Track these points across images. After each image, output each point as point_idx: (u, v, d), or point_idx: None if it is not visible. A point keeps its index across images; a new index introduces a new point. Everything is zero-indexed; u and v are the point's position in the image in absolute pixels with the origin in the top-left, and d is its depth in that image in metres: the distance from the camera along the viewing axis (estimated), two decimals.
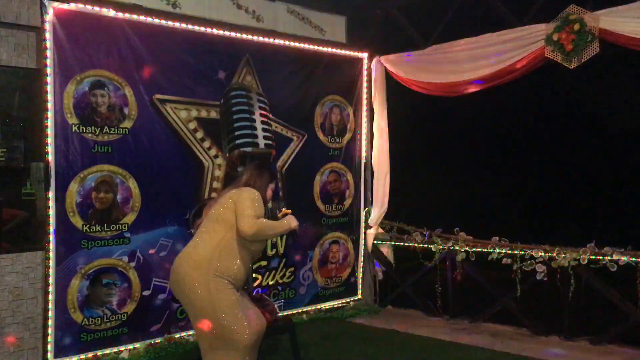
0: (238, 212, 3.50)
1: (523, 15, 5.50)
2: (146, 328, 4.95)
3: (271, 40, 5.73)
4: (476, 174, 6.93)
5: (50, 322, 4.48)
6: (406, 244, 6.23)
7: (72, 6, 4.54)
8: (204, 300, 3.41)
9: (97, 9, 4.66)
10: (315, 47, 6.10)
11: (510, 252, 5.39)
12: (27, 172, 4.56)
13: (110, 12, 4.73)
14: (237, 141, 5.48)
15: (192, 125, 5.22)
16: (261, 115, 5.67)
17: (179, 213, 5.12)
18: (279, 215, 3.83)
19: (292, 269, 5.95)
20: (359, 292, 6.58)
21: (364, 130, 6.58)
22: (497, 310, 5.76)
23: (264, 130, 5.67)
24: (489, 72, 5.55)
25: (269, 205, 3.92)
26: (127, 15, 4.82)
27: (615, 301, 5.05)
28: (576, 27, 4.91)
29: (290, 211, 3.83)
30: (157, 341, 4.97)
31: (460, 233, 5.83)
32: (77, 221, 4.59)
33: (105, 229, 4.73)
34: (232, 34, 5.45)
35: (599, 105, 6.42)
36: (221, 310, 3.38)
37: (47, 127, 4.46)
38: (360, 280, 6.58)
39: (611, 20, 4.81)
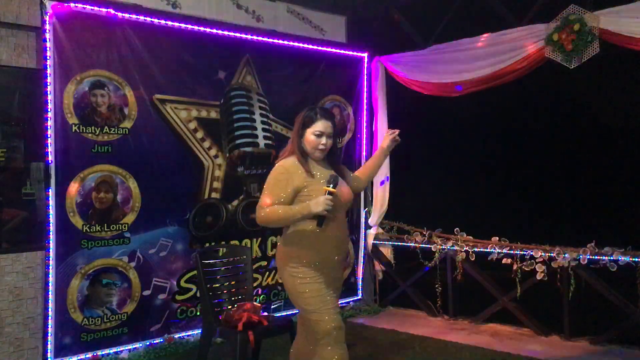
0: None
1: (523, 15, 5.50)
2: (146, 328, 4.95)
3: (271, 40, 5.73)
4: (476, 174, 6.92)
5: (50, 322, 4.48)
6: (406, 244, 6.24)
7: (72, 6, 4.54)
8: (289, 291, 3.36)
9: (97, 9, 4.66)
10: (315, 47, 6.10)
11: (510, 252, 5.39)
12: (27, 172, 4.56)
13: (110, 12, 4.73)
14: (237, 141, 5.49)
15: (192, 125, 5.22)
16: (261, 115, 5.67)
17: (179, 213, 5.12)
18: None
19: None
20: (359, 292, 6.58)
21: (364, 131, 6.59)
22: (497, 310, 5.76)
23: (264, 130, 5.67)
24: (489, 72, 5.55)
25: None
26: (127, 15, 4.81)
27: (615, 301, 5.04)
28: (576, 27, 4.91)
29: (330, 189, 3.06)
30: (157, 341, 4.97)
31: (460, 233, 5.84)
32: (77, 221, 4.59)
33: (105, 229, 4.73)
34: (232, 34, 5.46)
35: (599, 105, 6.41)
36: (303, 302, 3.26)
37: (47, 127, 4.45)
38: (360, 280, 6.58)
39: (611, 20, 4.80)
